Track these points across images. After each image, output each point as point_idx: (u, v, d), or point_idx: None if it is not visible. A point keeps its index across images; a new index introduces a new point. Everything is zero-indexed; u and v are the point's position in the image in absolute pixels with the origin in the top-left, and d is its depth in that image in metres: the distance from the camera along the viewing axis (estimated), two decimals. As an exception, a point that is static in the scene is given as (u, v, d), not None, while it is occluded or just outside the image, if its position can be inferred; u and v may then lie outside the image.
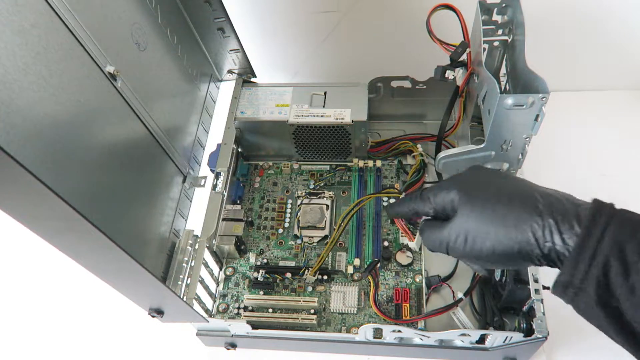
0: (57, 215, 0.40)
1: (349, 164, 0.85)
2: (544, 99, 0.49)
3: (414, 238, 0.72)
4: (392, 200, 0.79)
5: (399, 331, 0.61)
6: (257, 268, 0.75)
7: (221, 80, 0.88)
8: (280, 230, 0.80)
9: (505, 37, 0.61)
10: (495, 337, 0.60)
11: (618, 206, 0.42)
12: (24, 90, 0.43)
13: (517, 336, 0.59)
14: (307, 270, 0.72)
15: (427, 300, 0.71)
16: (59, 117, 0.48)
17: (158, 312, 0.58)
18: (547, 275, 0.60)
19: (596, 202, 0.42)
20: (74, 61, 0.51)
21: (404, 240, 0.75)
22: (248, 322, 0.64)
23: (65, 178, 0.48)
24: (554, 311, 0.61)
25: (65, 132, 0.49)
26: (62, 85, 0.48)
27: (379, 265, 0.73)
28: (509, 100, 0.50)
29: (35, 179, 0.34)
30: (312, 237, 0.78)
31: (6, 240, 0.89)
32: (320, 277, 0.73)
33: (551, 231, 0.41)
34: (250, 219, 0.80)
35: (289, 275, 0.73)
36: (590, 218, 0.40)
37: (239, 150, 0.86)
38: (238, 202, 0.83)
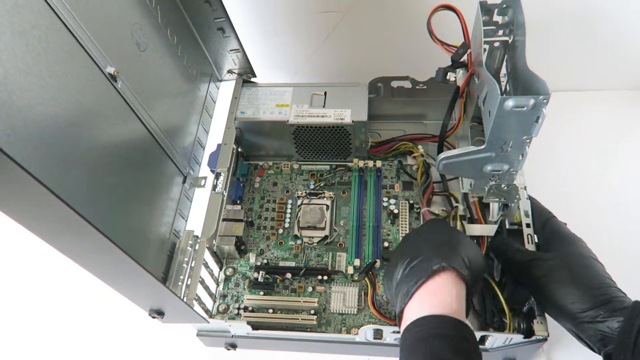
0: (57, 217, 0.40)
1: (349, 164, 0.85)
2: (544, 100, 0.49)
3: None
4: (392, 201, 0.79)
5: (400, 332, 0.61)
6: (257, 268, 0.75)
7: (221, 80, 0.88)
8: (280, 231, 0.80)
9: (506, 38, 0.61)
10: (495, 338, 0.61)
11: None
12: (25, 92, 0.43)
13: (517, 337, 0.59)
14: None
15: (427, 301, 0.71)
16: (59, 118, 0.48)
17: (158, 313, 0.58)
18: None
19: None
20: (75, 62, 0.50)
21: (404, 240, 0.75)
22: (248, 323, 0.64)
23: (65, 179, 0.48)
24: (554, 312, 0.61)
25: (66, 133, 0.49)
26: (62, 86, 0.48)
27: (378, 265, 0.73)
28: (510, 102, 0.50)
29: (35, 181, 0.34)
30: (312, 237, 0.78)
31: (6, 241, 0.89)
32: (320, 277, 0.73)
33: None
34: (250, 219, 0.80)
35: (289, 275, 0.74)
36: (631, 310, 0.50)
37: (239, 150, 0.86)
38: (238, 202, 0.83)
